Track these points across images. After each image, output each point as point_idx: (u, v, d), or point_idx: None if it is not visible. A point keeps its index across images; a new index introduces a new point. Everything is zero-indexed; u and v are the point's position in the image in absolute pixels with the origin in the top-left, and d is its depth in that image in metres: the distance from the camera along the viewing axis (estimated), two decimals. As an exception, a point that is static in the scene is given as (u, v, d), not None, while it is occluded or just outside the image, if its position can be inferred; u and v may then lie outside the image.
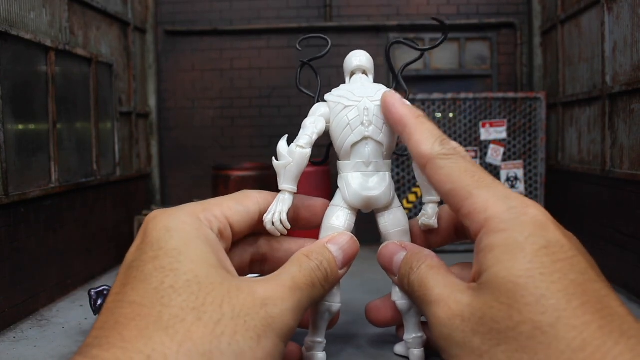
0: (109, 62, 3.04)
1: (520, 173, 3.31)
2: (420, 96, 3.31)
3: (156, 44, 3.80)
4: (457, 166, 0.47)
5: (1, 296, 2.00)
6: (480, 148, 3.31)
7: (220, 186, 3.20)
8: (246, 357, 0.39)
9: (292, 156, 0.56)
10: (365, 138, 0.58)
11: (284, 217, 0.55)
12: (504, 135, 3.29)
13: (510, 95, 3.35)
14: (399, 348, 0.61)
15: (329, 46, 0.62)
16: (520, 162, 3.32)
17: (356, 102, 0.58)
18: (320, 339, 0.57)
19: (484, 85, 3.81)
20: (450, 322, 0.43)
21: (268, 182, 2.95)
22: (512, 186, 3.27)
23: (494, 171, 3.29)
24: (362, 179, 0.58)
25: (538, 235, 0.41)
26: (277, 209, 0.55)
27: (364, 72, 0.62)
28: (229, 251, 0.52)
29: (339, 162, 0.60)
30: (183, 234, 0.43)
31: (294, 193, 0.56)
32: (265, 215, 0.55)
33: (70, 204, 2.56)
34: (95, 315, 1.86)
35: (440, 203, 0.58)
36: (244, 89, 3.86)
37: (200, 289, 0.40)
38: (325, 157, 0.64)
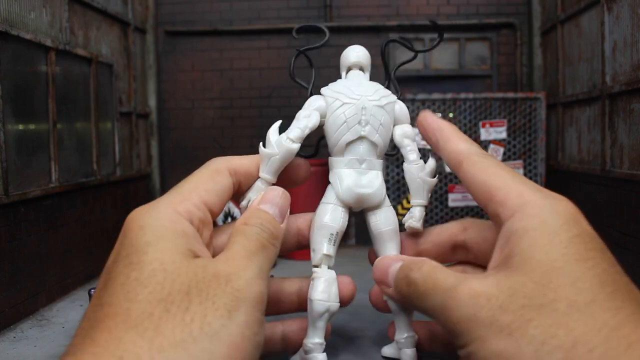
0: (109, 62, 3.04)
1: (520, 173, 3.31)
2: (420, 96, 3.31)
3: (156, 44, 3.80)
4: (492, 162, 0.50)
5: (1, 296, 2.00)
6: (480, 148, 3.31)
7: (220, 186, 3.21)
8: (220, 336, 0.38)
9: (279, 148, 0.55)
10: (360, 137, 0.57)
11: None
12: (503, 135, 3.29)
13: (510, 95, 3.35)
14: (387, 350, 0.60)
15: (327, 37, 0.61)
16: (520, 162, 3.32)
17: (355, 99, 0.57)
18: (320, 341, 0.55)
19: (484, 86, 3.81)
20: (474, 301, 0.41)
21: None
22: (512, 186, 3.28)
23: (494, 171, 3.29)
24: (356, 176, 0.57)
25: (571, 224, 0.42)
26: (252, 197, 0.55)
27: (361, 69, 0.61)
28: (214, 233, 0.52)
29: (331, 158, 0.59)
30: (156, 229, 0.43)
31: (272, 184, 0.56)
32: (241, 202, 0.56)
33: (70, 203, 2.56)
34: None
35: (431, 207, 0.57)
36: (244, 89, 3.86)
37: (165, 277, 0.40)
38: (315, 151, 0.63)
